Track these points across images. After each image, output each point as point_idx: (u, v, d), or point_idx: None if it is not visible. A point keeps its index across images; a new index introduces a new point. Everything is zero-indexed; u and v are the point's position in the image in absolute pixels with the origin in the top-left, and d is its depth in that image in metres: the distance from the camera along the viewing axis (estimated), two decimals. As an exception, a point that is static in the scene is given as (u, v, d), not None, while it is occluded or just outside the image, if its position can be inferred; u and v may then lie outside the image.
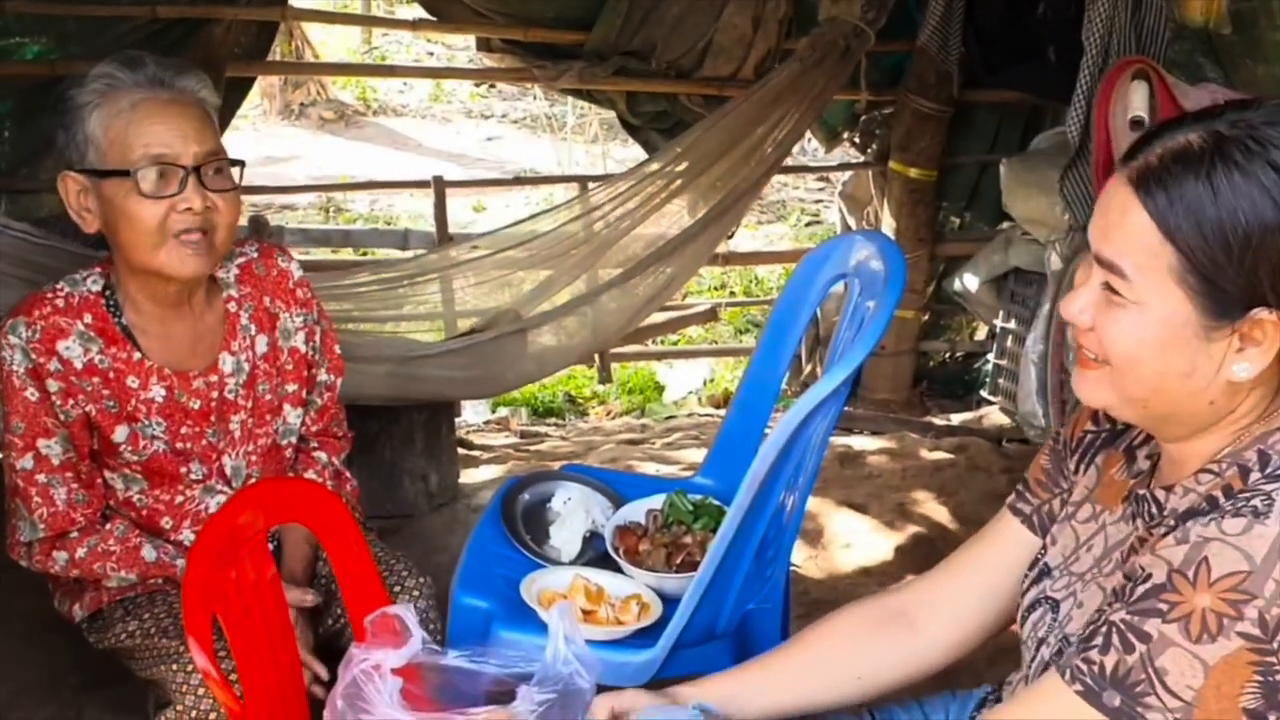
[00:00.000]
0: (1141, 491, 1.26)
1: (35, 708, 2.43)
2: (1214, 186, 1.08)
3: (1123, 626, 1.11)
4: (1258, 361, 1.12)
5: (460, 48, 10.58)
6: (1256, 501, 1.09)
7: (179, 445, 1.90)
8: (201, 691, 1.72)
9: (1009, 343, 4.35)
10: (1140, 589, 1.11)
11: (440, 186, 4.48)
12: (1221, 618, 1.05)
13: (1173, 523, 1.14)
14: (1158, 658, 1.08)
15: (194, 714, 1.73)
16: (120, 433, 1.86)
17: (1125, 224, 1.13)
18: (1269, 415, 1.16)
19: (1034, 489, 1.43)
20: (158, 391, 1.87)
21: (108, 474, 1.90)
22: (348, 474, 2.14)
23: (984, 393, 4.56)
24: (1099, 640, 1.13)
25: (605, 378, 4.83)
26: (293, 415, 2.03)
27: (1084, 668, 1.13)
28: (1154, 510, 1.23)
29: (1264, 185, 1.07)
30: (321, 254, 5.65)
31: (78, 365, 1.82)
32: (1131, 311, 1.14)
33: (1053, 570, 1.34)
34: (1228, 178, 1.08)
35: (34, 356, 1.79)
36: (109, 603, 1.93)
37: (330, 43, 11.09)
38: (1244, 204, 1.07)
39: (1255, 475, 1.12)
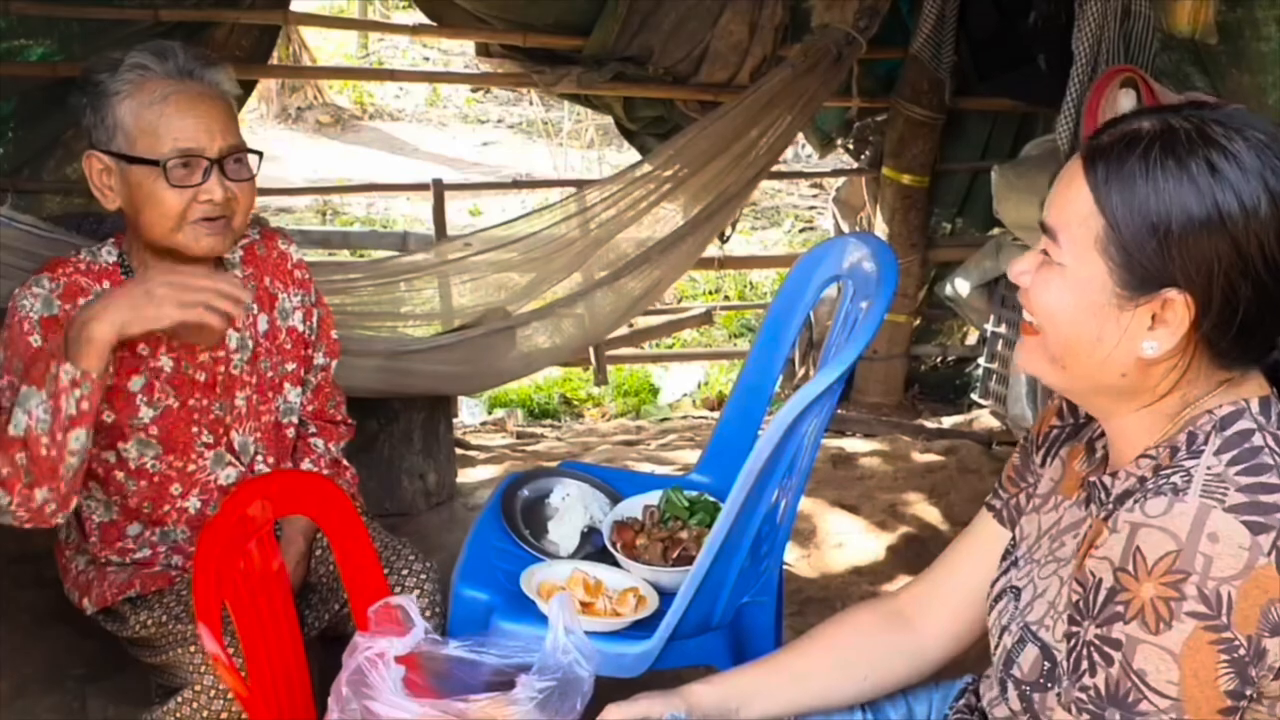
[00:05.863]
0: (1092, 479, 1.30)
1: (38, 698, 2.46)
2: (1148, 168, 1.13)
3: (1098, 642, 1.13)
4: (1165, 341, 1.16)
5: (456, 53, 10.59)
6: (1176, 478, 1.12)
7: (191, 404, 1.95)
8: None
9: (999, 347, 4.39)
10: (1098, 598, 1.13)
11: (439, 190, 4.51)
12: (1169, 602, 1.07)
13: (1111, 507, 1.17)
14: (1133, 660, 1.09)
15: (212, 693, 1.79)
16: (136, 382, 1.90)
17: (1068, 193, 1.19)
18: (1201, 399, 1.19)
19: (1005, 485, 1.48)
20: (166, 361, 1.93)
21: (121, 444, 1.93)
22: (345, 462, 2.19)
23: (975, 396, 4.59)
24: (1084, 665, 1.14)
25: (600, 380, 4.86)
26: (293, 394, 2.10)
27: (1082, 696, 1.14)
28: (1103, 496, 1.26)
29: (1193, 176, 1.12)
30: (319, 256, 5.66)
31: None
32: (1055, 272, 1.20)
33: (1019, 560, 1.38)
34: (1162, 163, 1.13)
35: (58, 303, 1.83)
36: (114, 601, 1.97)
37: (327, 47, 11.10)
38: (1171, 188, 1.12)
39: (1181, 453, 1.16)
